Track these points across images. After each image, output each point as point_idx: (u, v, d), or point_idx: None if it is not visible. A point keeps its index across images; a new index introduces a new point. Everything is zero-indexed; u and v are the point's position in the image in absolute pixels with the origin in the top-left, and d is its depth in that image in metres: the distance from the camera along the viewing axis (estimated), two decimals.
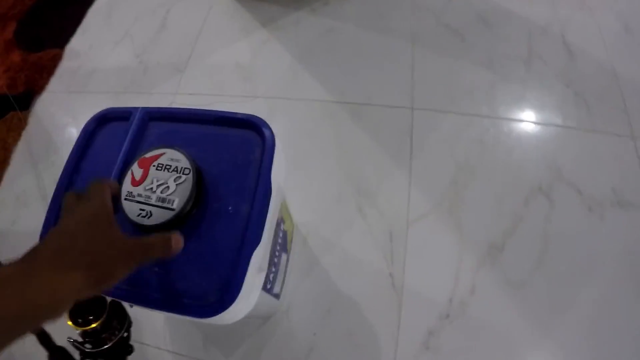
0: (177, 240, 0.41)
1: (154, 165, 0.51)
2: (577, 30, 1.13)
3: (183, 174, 0.50)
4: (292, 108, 1.13)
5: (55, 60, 1.46)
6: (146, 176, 0.51)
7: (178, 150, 0.51)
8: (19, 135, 1.34)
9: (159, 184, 0.50)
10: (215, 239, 0.49)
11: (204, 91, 1.22)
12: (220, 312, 0.45)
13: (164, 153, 0.52)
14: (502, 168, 0.96)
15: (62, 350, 0.58)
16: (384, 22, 1.22)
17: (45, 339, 0.58)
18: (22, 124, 1.36)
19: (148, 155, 0.52)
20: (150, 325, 0.92)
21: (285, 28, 1.28)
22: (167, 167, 0.51)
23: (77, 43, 1.47)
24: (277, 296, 0.82)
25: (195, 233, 0.49)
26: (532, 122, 1.01)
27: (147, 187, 0.50)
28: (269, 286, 0.72)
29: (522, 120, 1.01)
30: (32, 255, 0.33)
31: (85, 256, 0.34)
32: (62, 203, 0.42)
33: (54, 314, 0.31)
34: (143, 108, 0.60)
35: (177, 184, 0.49)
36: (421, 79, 1.09)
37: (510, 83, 1.06)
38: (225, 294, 0.45)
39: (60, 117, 1.31)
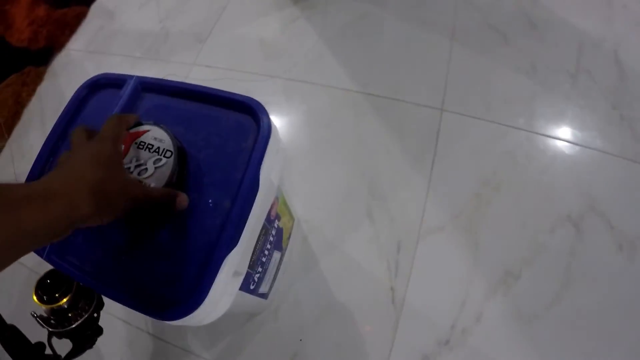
0: (183, 199, 0.43)
1: (136, 143, 0.46)
2: (633, 49, 1.01)
3: (164, 156, 0.44)
4: (312, 93, 1.06)
5: (79, 18, 1.43)
6: (126, 153, 0.46)
7: (163, 129, 0.46)
8: (34, 90, 1.32)
9: (137, 164, 0.45)
10: (188, 234, 0.43)
11: (222, 65, 1.16)
12: (182, 317, 0.40)
13: (148, 130, 0.46)
14: (532, 188, 0.87)
15: (13, 328, 0.54)
16: (423, 13, 1.12)
17: None
18: (38, 80, 1.33)
19: (132, 130, 0.47)
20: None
21: (318, 7, 1.20)
22: (149, 146, 0.45)
23: (104, 1, 1.43)
24: (263, 296, 0.76)
25: (168, 224, 0.44)
26: (570, 142, 0.91)
27: (125, 166, 0.45)
28: (252, 287, 0.66)
29: (559, 139, 0.92)
30: (45, 181, 0.34)
31: (94, 190, 0.35)
32: (71, 137, 0.40)
33: (60, 236, 0.33)
34: (138, 77, 0.55)
35: (155, 167, 0.44)
36: (456, 80, 1.00)
37: (553, 96, 0.96)
38: (190, 298, 0.39)
39: (76, 76, 1.28)
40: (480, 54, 1.03)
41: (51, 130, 0.56)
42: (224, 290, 0.46)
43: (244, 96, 0.52)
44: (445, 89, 0.99)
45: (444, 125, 0.94)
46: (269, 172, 0.52)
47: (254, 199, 0.45)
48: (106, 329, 0.62)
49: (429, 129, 0.94)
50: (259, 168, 0.45)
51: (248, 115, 0.51)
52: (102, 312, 0.64)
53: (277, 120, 1.05)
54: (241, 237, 0.43)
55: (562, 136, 0.92)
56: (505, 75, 0.99)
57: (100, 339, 0.65)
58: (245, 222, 0.44)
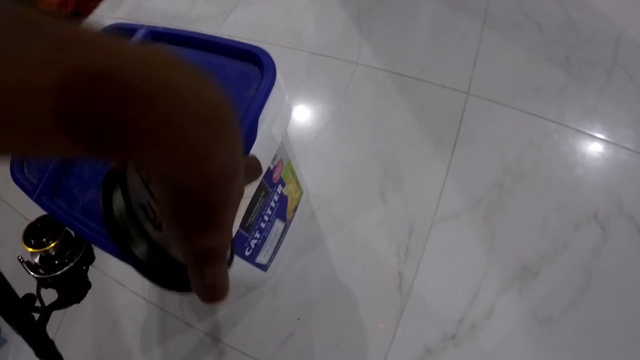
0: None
1: None
2: None
3: None
4: (335, 68, 1.03)
5: None
6: None
7: None
8: None
9: None
10: None
11: (245, 36, 1.14)
12: None
13: None
14: (558, 182, 0.81)
15: None
16: None
17: None
18: None
19: None
20: (131, 269, 0.85)
21: None
22: None
23: None
24: (262, 267, 0.72)
25: None
26: (602, 139, 0.86)
27: None
28: (247, 253, 0.62)
29: (590, 135, 0.86)
30: None
31: None
32: None
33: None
34: (149, 26, 0.56)
35: None
36: (484, 64, 0.95)
37: (586, 89, 0.91)
38: None
39: None
40: (512, 41, 0.98)
41: None
42: None
43: (250, 45, 0.51)
44: (472, 72, 0.94)
45: (468, 110, 0.89)
46: (270, 124, 0.49)
47: (250, 146, 0.42)
48: (101, 290, 0.60)
49: (452, 112, 0.89)
50: (258, 115, 0.43)
51: (254, 65, 0.50)
52: (97, 274, 0.61)
53: (297, 92, 1.02)
54: None
55: (594, 132, 0.86)
56: (536, 64, 0.94)
57: (93, 300, 0.62)
58: None
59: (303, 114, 0.98)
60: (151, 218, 0.21)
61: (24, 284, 0.57)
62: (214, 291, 0.21)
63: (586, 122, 0.87)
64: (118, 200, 0.21)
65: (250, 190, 0.54)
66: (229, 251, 0.22)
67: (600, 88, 0.91)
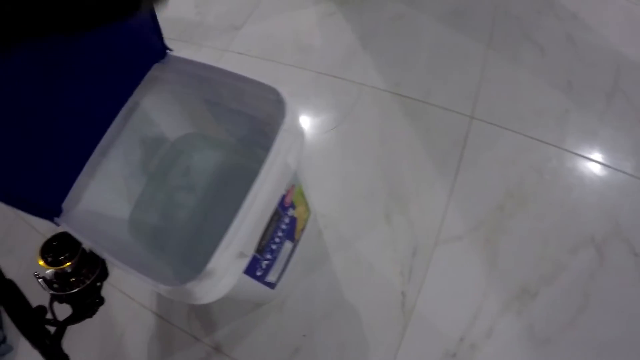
0: None
1: None
2: None
3: None
4: (342, 88, 1.04)
5: None
6: None
7: None
8: None
9: None
10: None
11: (254, 53, 1.16)
12: None
13: None
14: (557, 206, 0.84)
15: (10, 283, 0.53)
16: (461, 19, 1.10)
17: None
18: None
19: None
20: (139, 281, 0.86)
21: (355, 4, 1.19)
22: None
23: None
24: (271, 285, 0.74)
25: None
26: (600, 162, 0.89)
27: None
28: (259, 273, 0.64)
29: (589, 159, 0.89)
30: None
31: None
32: None
33: None
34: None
35: None
36: (488, 88, 0.97)
37: (586, 114, 0.93)
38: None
39: None
40: (515, 65, 1.00)
41: None
42: (226, 269, 0.46)
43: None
44: (476, 96, 0.96)
45: (472, 133, 0.91)
46: (286, 154, 0.51)
47: None
48: (109, 301, 0.61)
49: (456, 135, 0.92)
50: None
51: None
52: (105, 286, 0.62)
53: (304, 112, 1.03)
54: (249, 217, 0.45)
55: (593, 156, 0.89)
56: (539, 88, 0.97)
57: (102, 312, 0.63)
58: None
59: (309, 134, 1.00)
60: None
61: (35, 294, 0.58)
62: None
63: (586, 146, 0.90)
64: None
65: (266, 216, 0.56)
66: None
67: (600, 113, 0.93)
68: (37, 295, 0.56)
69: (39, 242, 0.95)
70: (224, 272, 0.47)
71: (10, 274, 0.86)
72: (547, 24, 1.06)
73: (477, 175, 0.87)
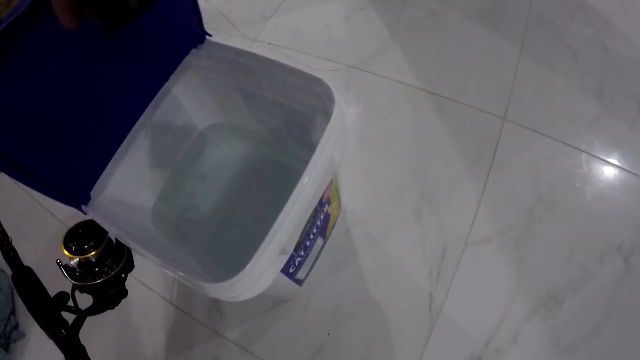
0: None
1: None
2: None
3: None
4: (373, 83, 1.02)
5: None
6: None
7: None
8: None
9: None
10: None
11: (283, 44, 1.13)
12: None
13: None
14: (586, 212, 0.83)
15: (29, 270, 0.51)
16: (496, 19, 1.08)
17: (12, 257, 0.51)
18: None
19: None
20: (160, 272, 0.85)
21: None
22: None
23: None
24: (299, 282, 0.72)
25: None
26: (631, 171, 0.88)
27: None
28: (291, 270, 0.63)
29: (619, 167, 0.88)
30: None
31: None
32: None
33: None
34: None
35: None
36: (521, 90, 0.95)
37: (617, 121, 0.92)
38: None
39: None
40: (548, 68, 0.99)
41: None
42: (267, 267, 0.44)
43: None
44: (509, 97, 0.95)
45: (505, 135, 0.90)
46: (332, 149, 0.49)
47: None
48: (129, 292, 0.59)
49: (489, 137, 0.90)
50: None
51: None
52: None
53: None
54: (293, 212, 0.43)
55: (623, 165, 0.88)
56: (571, 93, 0.95)
57: (121, 302, 0.61)
58: None
59: None
60: None
61: (49, 281, 0.55)
62: None
63: (616, 154, 0.89)
64: None
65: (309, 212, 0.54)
66: None
67: (631, 120, 0.92)
68: (54, 282, 0.53)
69: (56, 227, 0.94)
70: (265, 270, 0.45)
71: (25, 260, 0.84)
72: (580, 28, 1.04)
73: (508, 178, 0.86)
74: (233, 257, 0.75)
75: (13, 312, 0.85)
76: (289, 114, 0.65)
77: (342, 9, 1.17)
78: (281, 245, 0.46)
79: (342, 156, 0.55)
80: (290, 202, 0.45)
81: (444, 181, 0.87)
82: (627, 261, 0.80)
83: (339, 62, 1.07)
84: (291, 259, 0.60)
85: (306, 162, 0.47)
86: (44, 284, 0.54)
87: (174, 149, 0.76)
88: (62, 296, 0.58)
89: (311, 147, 0.69)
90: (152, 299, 0.83)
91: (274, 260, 0.47)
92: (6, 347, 0.82)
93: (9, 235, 0.52)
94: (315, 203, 0.55)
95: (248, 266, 0.43)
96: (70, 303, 0.58)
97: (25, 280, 0.52)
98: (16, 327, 0.85)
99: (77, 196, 0.55)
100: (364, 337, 0.76)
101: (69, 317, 0.54)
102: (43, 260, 0.89)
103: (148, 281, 0.84)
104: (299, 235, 0.55)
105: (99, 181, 0.58)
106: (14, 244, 0.50)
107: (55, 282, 0.53)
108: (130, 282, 0.84)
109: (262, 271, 0.44)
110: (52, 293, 0.54)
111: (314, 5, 1.19)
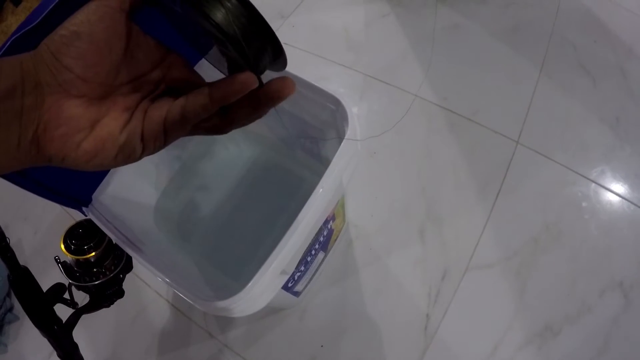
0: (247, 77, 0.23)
1: None
2: None
3: None
4: (388, 94, 1.01)
5: None
6: None
7: None
8: None
9: None
10: None
11: (300, 45, 1.11)
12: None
13: None
14: (591, 245, 0.82)
15: (25, 270, 0.50)
16: (517, 37, 1.06)
17: (9, 258, 0.50)
18: None
19: None
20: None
21: (410, 8, 1.14)
22: None
23: None
24: (297, 294, 0.72)
25: None
26: (639, 206, 0.87)
27: None
28: (290, 284, 0.62)
29: (628, 201, 0.87)
30: None
31: None
32: None
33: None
34: None
35: None
36: (537, 114, 0.94)
37: (631, 154, 0.91)
38: None
39: None
40: (566, 93, 0.97)
41: None
42: (267, 287, 0.44)
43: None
44: (524, 121, 0.93)
45: (516, 159, 0.89)
46: (341, 171, 0.48)
47: None
48: (125, 287, 0.58)
49: (500, 159, 0.89)
50: None
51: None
52: None
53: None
54: (297, 235, 0.43)
55: (631, 199, 0.87)
56: (587, 120, 0.94)
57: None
58: None
59: None
60: None
61: (47, 267, 0.54)
62: None
63: (626, 187, 0.87)
64: None
65: (312, 233, 0.53)
66: None
67: None
68: (52, 268, 0.52)
69: (57, 211, 0.93)
70: (265, 289, 0.45)
71: (24, 243, 0.83)
72: (602, 54, 1.02)
73: (516, 203, 0.85)
74: (234, 260, 0.75)
75: (9, 294, 0.85)
76: (301, 125, 0.64)
77: (362, 14, 1.14)
78: (282, 267, 0.45)
79: (351, 177, 0.54)
80: (294, 225, 0.45)
81: (451, 201, 0.86)
82: (627, 297, 0.79)
83: (355, 70, 1.05)
84: (291, 275, 0.59)
85: (314, 171, 0.46)
86: (42, 268, 0.53)
87: (180, 148, 0.75)
88: (59, 288, 0.58)
89: (320, 159, 0.68)
90: (148, 295, 0.82)
91: (274, 280, 0.47)
92: (0, 329, 0.82)
93: (9, 231, 0.52)
94: (320, 224, 0.55)
95: (247, 286, 0.42)
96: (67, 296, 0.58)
97: (21, 281, 0.52)
98: (11, 309, 0.85)
99: (79, 199, 0.55)
100: (357, 352, 0.75)
101: (64, 315, 0.53)
102: (42, 243, 0.88)
103: (145, 277, 0.84)
104: (301, 255, 0.55)
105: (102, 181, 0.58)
106: (14, 226, 0.49)
107: (53, 269, 0.52)
108: (127, 277, 0.83)
109: (261, 291, 0.44)
110: (50, 281, 0.53)
111: (334, 8, 1.17)
